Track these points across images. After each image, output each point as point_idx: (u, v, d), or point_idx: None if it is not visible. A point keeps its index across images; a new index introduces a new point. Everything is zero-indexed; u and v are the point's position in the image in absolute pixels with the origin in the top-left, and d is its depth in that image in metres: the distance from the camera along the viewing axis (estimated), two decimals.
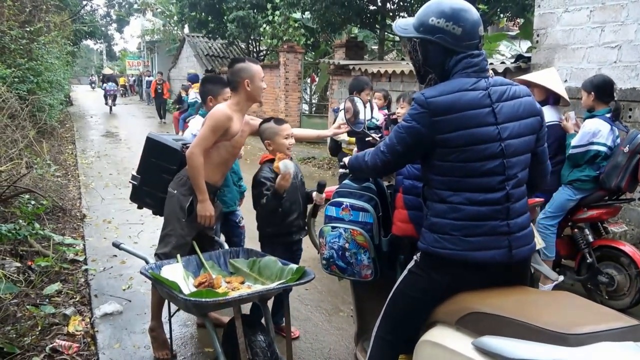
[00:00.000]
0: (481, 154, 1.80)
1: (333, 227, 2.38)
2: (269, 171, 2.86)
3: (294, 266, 2.48)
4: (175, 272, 2.51)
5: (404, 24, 1.98)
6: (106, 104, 19.66)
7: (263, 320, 2.59)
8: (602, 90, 3.72)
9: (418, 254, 1.97)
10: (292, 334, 3.17)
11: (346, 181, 2.48)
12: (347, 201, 2.38)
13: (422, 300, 1.94)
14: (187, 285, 2.45)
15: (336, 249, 2.37)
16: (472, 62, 1.86)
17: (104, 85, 20.62)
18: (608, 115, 3.71)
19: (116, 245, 2.75)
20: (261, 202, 2.82)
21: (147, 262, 2.58)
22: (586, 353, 1.34)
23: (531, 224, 1.97)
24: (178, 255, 2.69)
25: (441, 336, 1.78)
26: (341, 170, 2.62)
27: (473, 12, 1.86)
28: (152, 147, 3.09)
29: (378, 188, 2.44)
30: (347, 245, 2.34)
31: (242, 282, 2.57)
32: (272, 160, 2.88)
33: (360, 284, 2.59)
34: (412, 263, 2.00)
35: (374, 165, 2.05)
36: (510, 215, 1.83)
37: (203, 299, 2.16)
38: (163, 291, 2.42)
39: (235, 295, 2.25)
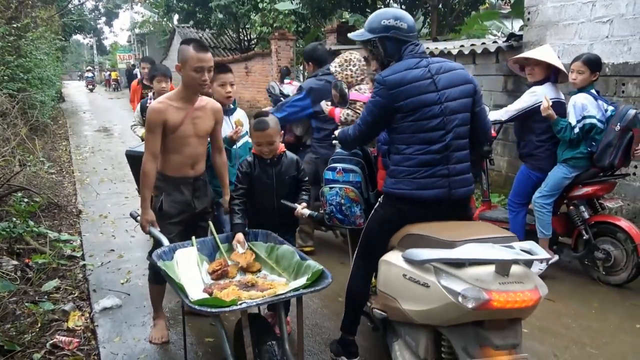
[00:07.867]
0: (426, 115, 2.36)
1: (330, 188, 2.95)
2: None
3: (311, 263, 2.28)
4: (189, 256, 2.42)
5: (358, 34, 2.59)
6: (86, 87, 31.39)
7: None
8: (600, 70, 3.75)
9: (382, 197, 2.57)
10: (288, 327, 3.13)
11: (338, 149, 2.99)
12: (340, 165, 2.94)
13: (382, 231, 2.52)
14: (200, 272, 2.37)
15: (334, 205, 2.93)
16: (415, 49, 2.47)
17: (85, 74, 33.14)
18: (593, 90, 3.73)
19: (133, 217, 2.81)
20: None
21: (161, 244, 2.50)
22: (457, 249, 1.98)
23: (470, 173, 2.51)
24: (193, 238, 2.59)
25: (389, 256, 2.42)
26: (334, 142, 3.01)
27: (408, 16, 2.51)
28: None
29: (364, 153, 2.99)
30: (342, 201, 2.90)
31: (259, 270, 2.49)
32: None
33: (355, 233, 2.98)
34: (377, 203, 2.60)
35: (354, 135, 2.63)
36: (449, 161, 2.38)
37: (208, 309, 1.97)
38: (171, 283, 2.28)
39: (243, 306, 2.01)
